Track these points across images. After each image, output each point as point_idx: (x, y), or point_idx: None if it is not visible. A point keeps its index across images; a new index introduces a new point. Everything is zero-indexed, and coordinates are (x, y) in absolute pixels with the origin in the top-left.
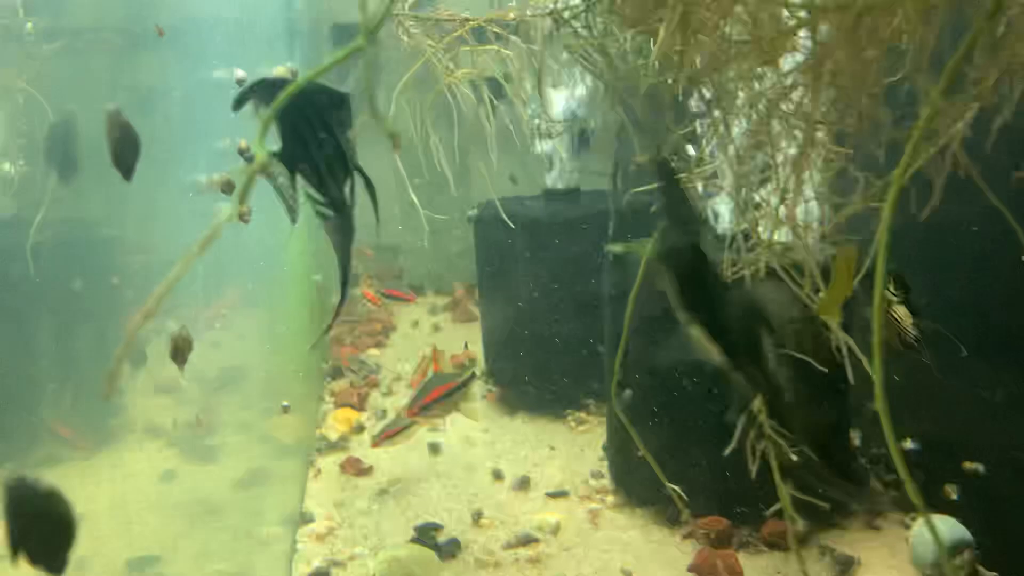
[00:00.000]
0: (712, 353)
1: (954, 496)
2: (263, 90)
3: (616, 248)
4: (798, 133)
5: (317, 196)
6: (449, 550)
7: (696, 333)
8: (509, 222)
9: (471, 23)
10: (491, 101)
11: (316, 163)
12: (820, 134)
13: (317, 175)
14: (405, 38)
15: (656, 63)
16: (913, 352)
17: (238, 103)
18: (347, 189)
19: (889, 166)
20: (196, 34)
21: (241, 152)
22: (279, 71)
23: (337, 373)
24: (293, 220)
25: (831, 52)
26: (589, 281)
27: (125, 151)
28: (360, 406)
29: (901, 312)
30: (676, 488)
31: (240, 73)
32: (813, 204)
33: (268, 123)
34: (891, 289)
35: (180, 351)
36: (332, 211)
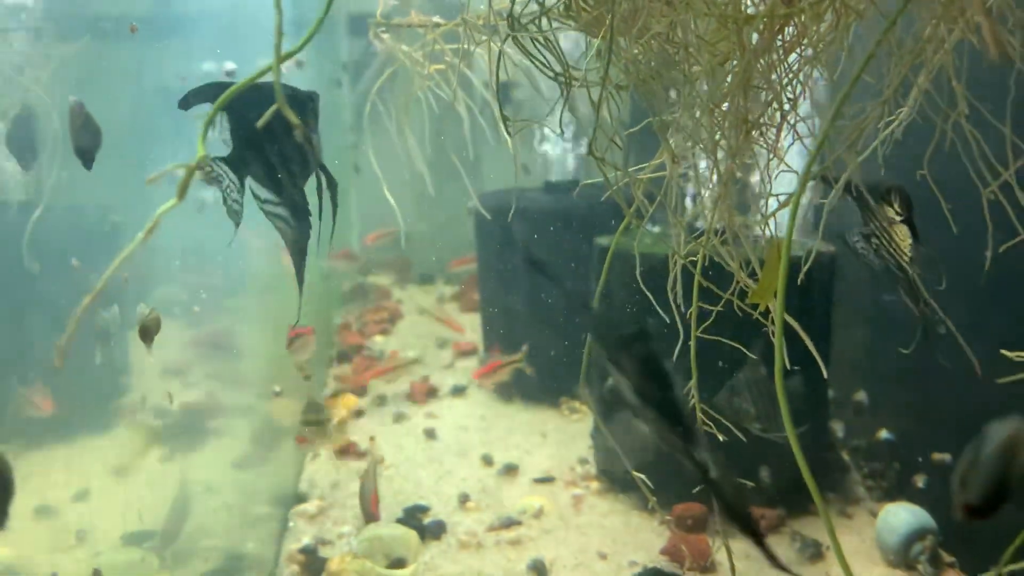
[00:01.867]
0: (672, 443)
1: (921, 485)
2: (213, 92)
3: (603, 240)
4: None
5: (271, 197)
6: (433, 531)
7: (654, 421)
8: (485, 213)
9: (442, 27)
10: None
11: (272, 165)
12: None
13: (273, 178)
14: (378, 44)
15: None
16: (904, 281)
17: (184, 103)
18: (309, 189)
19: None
20: (201, 26)
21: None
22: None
23: (343, 357)
24: (236, 224)
25: (754, 59)
26: (584, 272)
27: (86, 140)
28: (361, 392)
29: (900, 232)
30: (643, 477)
31: (230, 66)
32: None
33: (207, 124)
34: (894, 205)
35: (148, 331)
36: (290, 213)
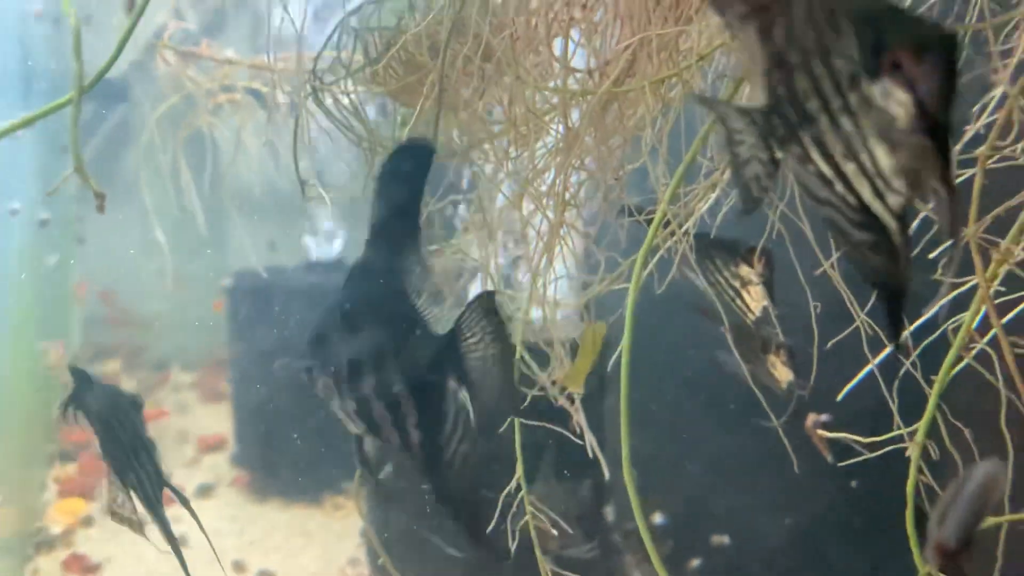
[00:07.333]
0: None
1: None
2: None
3: None
4: (550, 213)
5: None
6: None
7: None
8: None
9: (233, 64)
10: None
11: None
12: (569, 215)
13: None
14: (162, 66)
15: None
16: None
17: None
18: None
19: (631, 247)
20: None
21: None
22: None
23: (66, 457)
24: None
25: (579, 136)
26: None
27: None
28: (90, 495)
29: (754, 293)
30: None
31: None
32: (563, 282)
33: None
34: (755, 266)
35: None
36: None
